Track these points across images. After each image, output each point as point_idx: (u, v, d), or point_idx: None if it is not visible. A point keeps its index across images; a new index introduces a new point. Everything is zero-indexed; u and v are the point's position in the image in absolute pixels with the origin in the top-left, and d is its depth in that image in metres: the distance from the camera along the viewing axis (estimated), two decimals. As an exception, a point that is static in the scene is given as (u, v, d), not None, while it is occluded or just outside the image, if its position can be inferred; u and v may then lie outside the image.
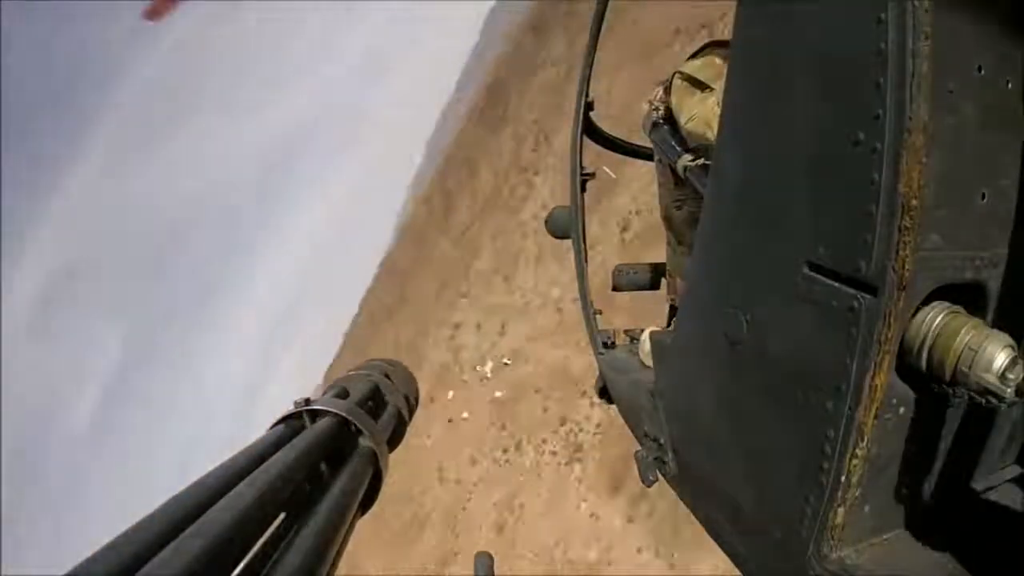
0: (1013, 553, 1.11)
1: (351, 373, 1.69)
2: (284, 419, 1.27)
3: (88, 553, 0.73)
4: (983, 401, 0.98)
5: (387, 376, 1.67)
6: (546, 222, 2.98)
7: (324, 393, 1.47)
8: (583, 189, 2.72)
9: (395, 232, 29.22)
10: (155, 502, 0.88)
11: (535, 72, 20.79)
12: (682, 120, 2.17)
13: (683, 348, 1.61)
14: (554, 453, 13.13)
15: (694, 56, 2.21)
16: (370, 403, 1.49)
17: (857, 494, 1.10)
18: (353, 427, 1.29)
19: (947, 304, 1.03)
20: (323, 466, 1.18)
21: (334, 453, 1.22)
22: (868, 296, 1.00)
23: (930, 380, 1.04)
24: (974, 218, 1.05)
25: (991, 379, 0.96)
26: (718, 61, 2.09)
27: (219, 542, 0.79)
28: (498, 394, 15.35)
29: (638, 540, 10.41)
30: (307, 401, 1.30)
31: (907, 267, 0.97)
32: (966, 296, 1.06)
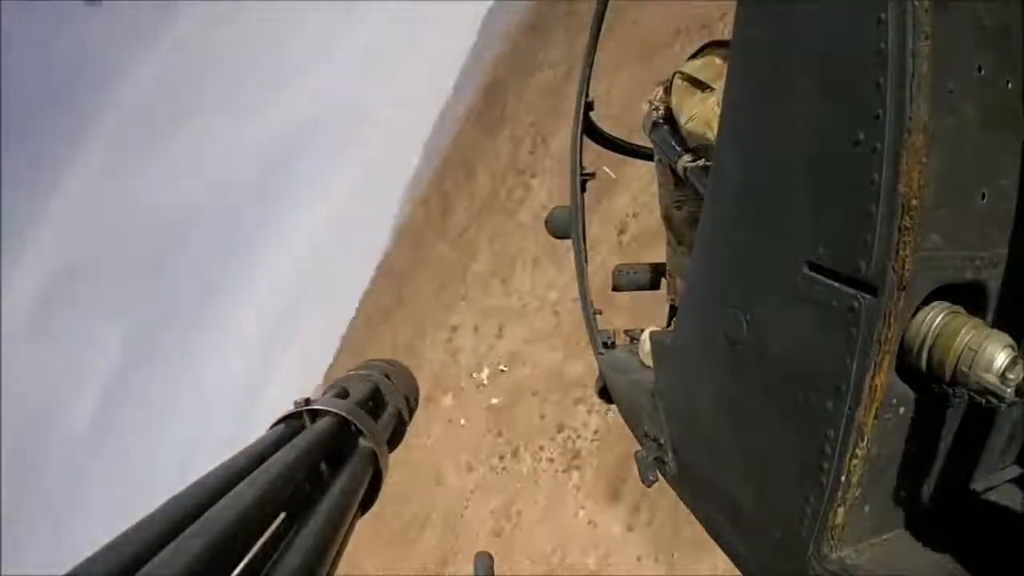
0: (1013, 553, 1.11)
1: (351, 373, 1.68)
2: (284, 419, 1.27)
3: (88, 553, 0.73)
4: (983, 401, 0.98)
5: (387, 376, 1.67)
6: (546, 222, 2.98)
7: (324, 393, 1.47)
8: (583, 189, 2.72)
9: (392, 233, 29.24)
10: (155, 502, 0.88)
11: (532, 74, 20.77)
12: (682, 120, 2.17)
13: (683, 348, 1.61)
14: (551, 460, 13.08)
15: (694, 56, 2.21)
16: (370, 403, 1.49)
17: (857, 494, 1.10)
18: (353, 427, 1.29)
19: (947, 304, 1.03)
20: (323, 466, 1.18)
21: (334, 453, 1.22)
22: (868, 296, 1.00)
23: (930, 380, 1.04)
24: (974, 218, 1.05)
25: (991, 379, 0.96)
26: (718, 61, 2.09)
27: (219, 542, 0.79)
28: (495, 401, 15.25)
29: (637, 548, 10.35)
30: (307, 401, 1.30)
31: (907, 267, 0.97)
32: (966, 296, 1.06)
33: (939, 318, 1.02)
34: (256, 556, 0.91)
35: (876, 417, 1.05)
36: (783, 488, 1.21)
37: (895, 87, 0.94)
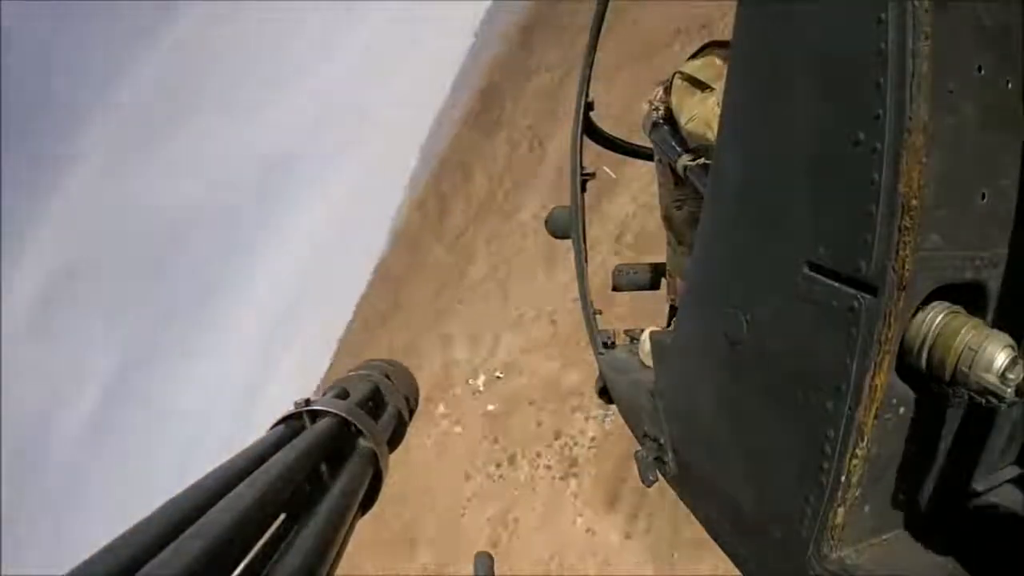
0: (1013, 554, 1.11)
1: (351, 373, 1.68)
2: (284, 419, 1.27)
3: (88, 554, 0.73)
4: (983, 401, 0.98)
5: (387, 376, 1.67)
6: (546, 222, 2.98)
7: (324, 393, 1.47)
8: (583, 189, 2.72)
9: (389, 236, 29.22)
10: (155, 503, 0.88)
11: (530, 77, 20.71)
12: (682, 120, 2.17)
13: (683, 348, 1.61)
14: (549, 467, 12.97)
15: (694, 56, 2.21)
16: (370, 404, 1.49)
17: (857, 494, 1.10)
18: (353, 428, 1.29)
19: (947, 304, 1.03)
20: (323, 467, 1.18)
21: (334, 454, 1.21)
22: (868, 296, 1.00)
23: (930, 380, 1.04)
24: (974, 218, 1.05)
25: (991, 379, 0.96)
26: (718, 61, 2.09)
27: (219, 543, 0.79)
28: (491, 407, 15.16)
29: (636, 556, 10.28)
30: (307, 402, 1.30)
31: (907, 267, 0.97)
32: (966, 296, 1.06)
33: (939, 318, 1.02)
34: (256, 557, 0.91)
35: (876, 417, 1.05)
36: (783, 488, 1.21)
37: (895, 87, 0.94)
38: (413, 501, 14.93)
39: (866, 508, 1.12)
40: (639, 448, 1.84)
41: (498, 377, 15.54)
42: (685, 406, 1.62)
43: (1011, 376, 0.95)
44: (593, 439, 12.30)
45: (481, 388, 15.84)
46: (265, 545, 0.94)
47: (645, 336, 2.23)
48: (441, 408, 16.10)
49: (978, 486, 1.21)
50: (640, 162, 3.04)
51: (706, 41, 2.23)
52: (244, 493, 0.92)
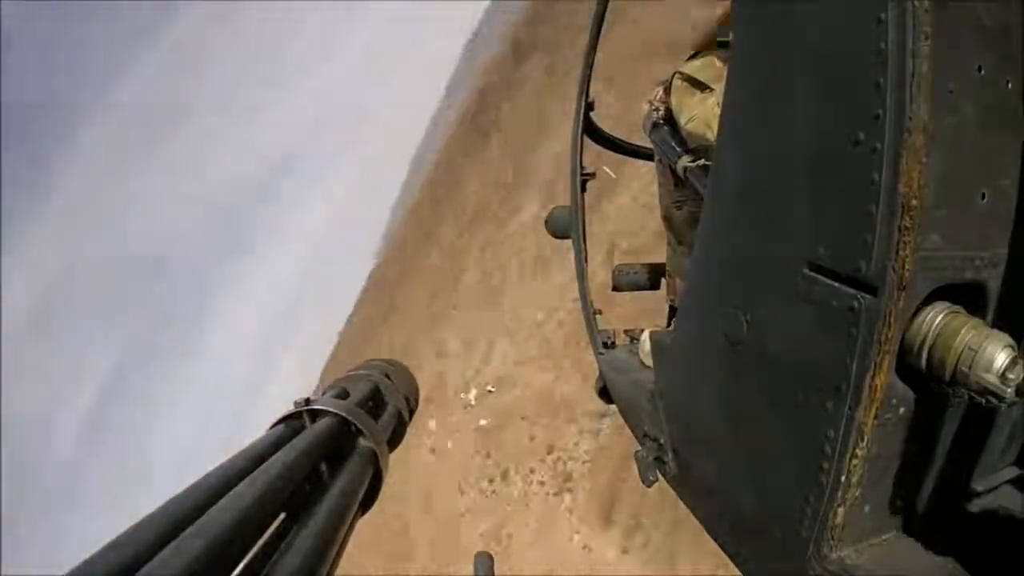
0: (1013, 554, 1.11)
1: (351, 373, 1.68)
2: (284, 419, 1.27)
3: (88, 553, 0.73)
4: (983, 401, 0.98)
5: (387, 376, 1.67)
6: (546, 222, 2.98)
7: (324, 393, 1.47)
8: (583, 189, 2.72)
9: (383, 241, 29.15)
10: (155, 502, 0.88)
11: (528, 77, 20.59)
12: (682, 121, 2.17)
13: (683, 348, 1.61)
14: (542, 483, 12.79)
15: (694, 56, 2.21)
16: (370, 403, 1.49)
17: (857, 494, 1.10)
18: (353, 427, 1.29)
19: (947, 304, 1.03)
20: (323, 466, 1.18)
21: (334, 453, 1.21)
22: (868, 296, 1.00)
23: (930, 380, 1.04)
24: (974, 218, 1.05)
25: (991, 379, 0.96)
26: (718, 61, 2.09)
27: (219, 542, 0.79)
28: (483, 422, 14.93)
29: (634, 570, 10.12)
30: (307, 401, 1.30)
31: (907, 267, 0.97)
32: (966, 296, 1.06)
33: (939, 318, 1.02)
34: (256, 556, 0.91)
35: (876, 417, 1.05)
36: (783, 488, 1.21)
37: (895, 87, 0.95)
38: (406, 513, 14.80)
39: (866, 508, 1.12)
40: (639, 448, 1.83)
41: (490, 391, 15.29)
42: (685, 406, 1.62)
43: (1011, 376, 0.95)
44: (587, 453, 12.09)
45: (473, 402, 15.58)
46: (265, 544, 0.94)
47: (645, 336, 2.23)
48: (431, 424, 15.87)
49: (978, 486, 1.21)
50: (640, 162, 3.04)
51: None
52: (244, 492, 0.92)
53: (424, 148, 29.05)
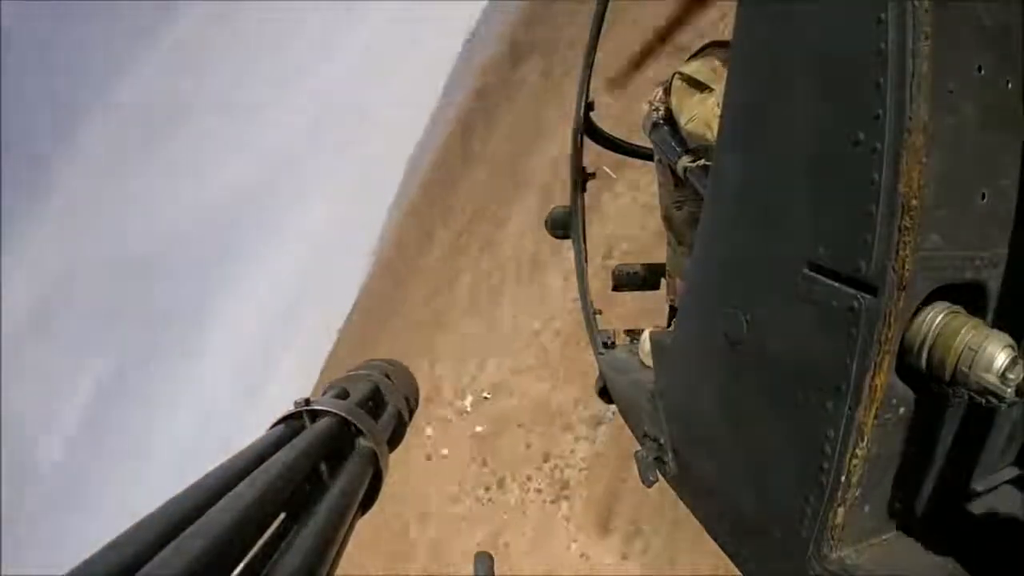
0: (1012, 554, 1.11)
1: (351, 373, 1.68)
2: (284, 419, 1.27)
3: (88, 553, 0.73)
4: (983, 401, 0.98)
5: (387, 376, 1.67)
6: (546, 222, 2.98)
7: (324, 393, 1.47)
8: (583, 189, 2.72)
9: (381, 241, 29.08)
10: (155, 502, 0.88)
11: (525, 77, 20.50)
12: (682, 121, 2.17)
13: (683, 348, 1.61)
14: (539, 490, 12.62)
15: (694, 56, 2.21)
16: (370, 403, 1.49)
17: (857, 494, 1.10)
18: (353, 427, 1.29)
19: (947, 304, 1.03)
20: (323, 466, 1.18)
21: (334, 453, 1.21)
22: (868, 296, 1.01)
23: (930, 380, 1.04)
24: (974, 218, 1.05)
25: (991, 379, 0.96)
26: (718, 61, 2.09)
27: (219, 542, 0.79)
28: (479, 429, 14.75)
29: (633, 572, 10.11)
30: (307, 401, 1.29)
31: (907, 267, 0.97)
32: (966, 296, 1.06)
33: (939, 318, 1.02)
34: (256, 556, 0.91)
35: (876, 417, 1.05)
36: (783, 488, 1.21)
37: (895, 87, 0.95)
38: (404, 517, 14.70)
39: (866, 508, 1.12)
40: (639, 448, 1.84)
41: (485, 398, 15.06)
42: (685, 406, 1.62)
43: (1011, 376, 0.95)
44: (583, 460, 11.93)
45: (468, 409, 15.36)
46: (265, 544, 0.94)
47: (645, 336, 2.23)
48: (428, 431, 15.73)
49: (977, 487, 1.21)
50: (640, 162, 3.04)
51: (706, 41, 2.23)
52: (244, 493, 0.92)
53: (422, 148, 29.05)
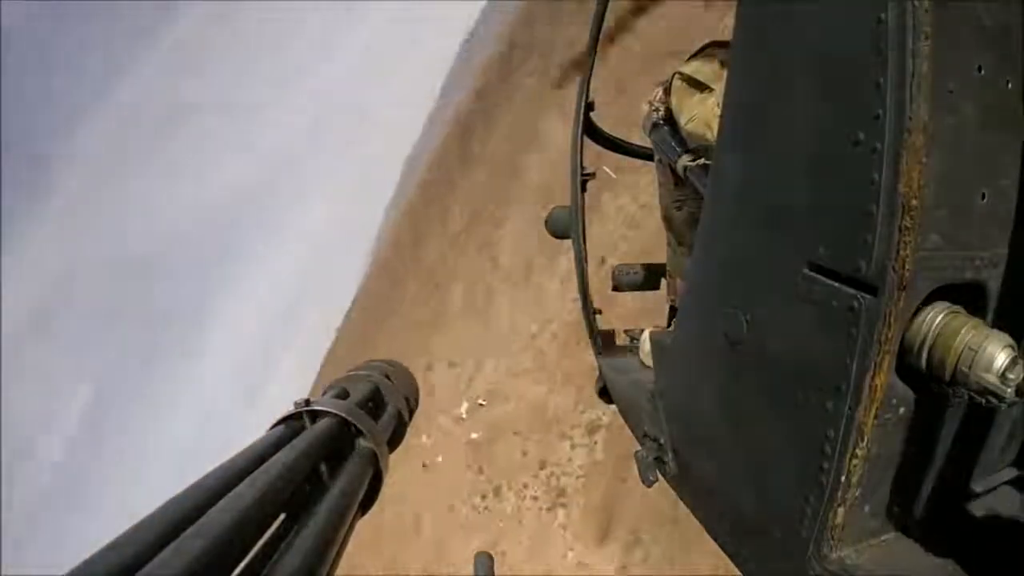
0: (1012, 555, 1.11)
1: (351, 373, 1.68)
2: (284, 420, 1.27)
3: (88, 553, 0.73)
4: (983, 401, 0.98)
5: (387, 376, 1.67)
6: (546, 222, 2.98)
7: (324, 393, 1.47)
8: (583, 189, 2.72)
9: (378, 242, 29.06)
10: (154, 502, 0.88)
11: (523, 78, 20.43)
12: (682, 121, 2.17)
13: (683, 348, 1.61)
14: (535, 498, 12.43)
15: (694, 56, 2.21)
16: (370, 404, 1.49)
17: (857, 494, 1.10)
18: (353, 428, 1.29)
19: (947, 304, 1.03)
20: (323, 467, 1.18)
21: (334, 454, 1.21)
22: (868, 296, 1.01)
23: (930, 380, 1.04)
24: (974, 218, 1.05)
25: (991, 379, 0.96)
26: (718, 61, 2.09)
27: (219, 543, 0.79)
28: (474, 436, 14.58)
29: None
30: (307, 402, 1.30)
31: (907, 267, 0.97)
32: (966, 296, 1.06)
33: (939, 318, 1.02)
34: (256, 557, 0.91)
35: (876, 417, 1.05)
36: (783, 488, 1.21)
37: (895, 87, 0.95)
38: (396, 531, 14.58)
39: (866, 508, 1.12)
40: (639, 448, 1.84)
41: (481, 404, 14.84)
42: (685, 406, 1.62)
43: (1011, 376, 0.95)
44: (580, 467, 11.76)
45: (464, 416, 15.12)
46: (265, 545, 0.94)
47: (645, 336, 2.23)
48: (423, 439, 15.58)
49: (977, 487, 1.21)
50: (640, 162, 3.04)
51: (706, 41, 2.23)
52: (244, 493, 0.92)
53: (420, 148, 29.03)
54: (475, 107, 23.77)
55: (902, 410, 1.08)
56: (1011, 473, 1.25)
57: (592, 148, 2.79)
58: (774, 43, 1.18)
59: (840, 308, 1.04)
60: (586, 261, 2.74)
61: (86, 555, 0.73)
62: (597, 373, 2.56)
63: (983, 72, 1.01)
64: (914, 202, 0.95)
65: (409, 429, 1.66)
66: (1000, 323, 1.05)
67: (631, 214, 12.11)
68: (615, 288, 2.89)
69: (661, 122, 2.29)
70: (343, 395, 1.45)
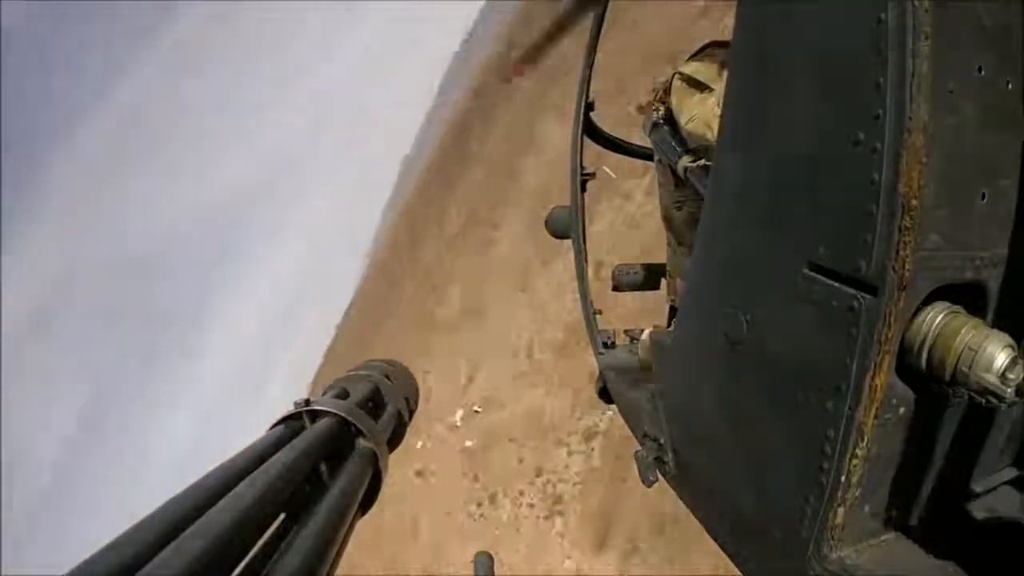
0: (1012, 555, 1.11)
1: (351, 373, 1.68)
2: (284, 420, 1.27)
3: (88, 553, 0.73)
4: (983, 401, 0.98)
5: (387, 377, 1.67)
6: (546, 222, 2.98)
7: (324, 394, 1.47)
8: (583, 189, 2.72)
9: (375, 242, 29.00)
10: (155, 503, 0.88)
11: (520, 80, 20.35)
12: (682, 121, 2.17)
13: (683, 348, 1.61)
14: (532, 506, 12.36)
15: (694, 56, 2.21)
16: (370, 404, 1.50)
17: (857, 494, 1.10)
18: (353, 428, 1.29)
19: (947, 304, 1.03)
20: (323, 467, 1.18)
21: (334, 454, 1.22)
22: (868, 296, 1.01)
23: (930, 380, 1.04)
24: (974, 218, 1.05)
25: (991, 379, 0.96)
26: (718, 61, 2.09)
27: (219, 543, 0.79)
28: (468, 443, 14.47)
29: None
30: (307, 402, 1.30)
31: (907, 267, 0.97)
32: (966, 296, 1.06)
33: (939, 318, 1.02)
34: (256, 557, 0.91)
35: (876, 417, 1.05)
36: (783, 488, 1.21)
37: (895, 87, 0.95)
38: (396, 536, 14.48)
39: (866, 508, 1.12)
40: (639, 448, 1.84)
41: (476, 411, 14.74)
42: (685, 406, 1.62)
43: (1011, 376, 0.95)
44: (577, 474, 11.69)
45: (458, 423, 15.01)
46: (265, 545, 0.94)
47: (645, 336, 2.23)
48: (417, 444, 15.40)
49: (977, 487, 1.21)
50: (640, 162, 3.04)
51: (706, 41, 2.23)
52: (244, 493, 0.92)
53: (418, 148, 29.00)
54: (473, 106, 23.72)
55: (902, 410, 1.08)
56: (1011, 473, 1.25)
57: (592, 148, 2.79)
58: (774, 43, 1.18)
59: (840, 308, 1.04)
60: (586, 261, 2.74)
61: (86, 555, 0.73)
62: (597, 373, 2.56)
63: (983, 72, 1.01)
64: (914, 202, 0.95)
65: (409, 429, 1.66)
66: (1000, 323, 1.05)
67: (630, 214, 12.04)
68: (615, 288, 2.89)
69: (661, 122, 2.29)
70: (343, 395, 1.45)
